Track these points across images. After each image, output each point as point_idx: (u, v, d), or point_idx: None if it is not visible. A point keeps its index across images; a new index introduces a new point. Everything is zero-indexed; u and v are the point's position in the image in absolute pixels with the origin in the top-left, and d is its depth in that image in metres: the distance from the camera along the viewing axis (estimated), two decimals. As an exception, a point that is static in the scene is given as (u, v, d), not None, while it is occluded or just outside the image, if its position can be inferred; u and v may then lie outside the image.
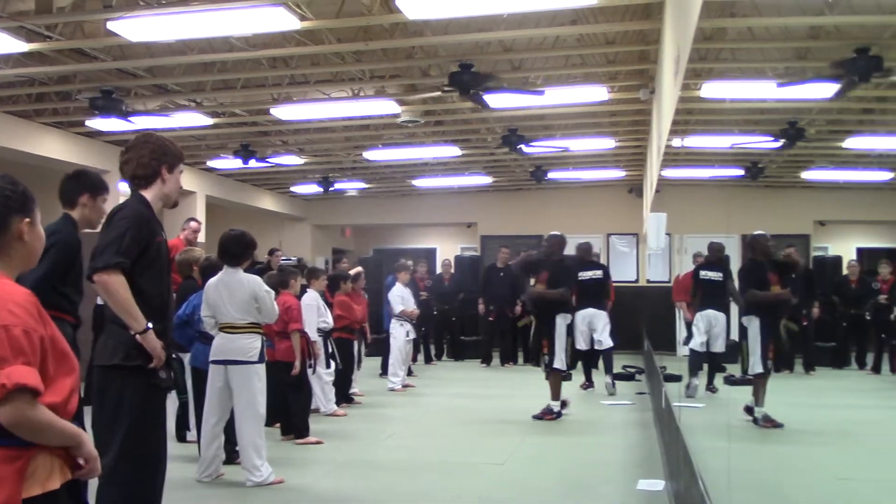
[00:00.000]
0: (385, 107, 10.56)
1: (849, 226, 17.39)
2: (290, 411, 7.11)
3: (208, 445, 5.66)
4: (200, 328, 6.00)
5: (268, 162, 13.78)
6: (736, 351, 8.60)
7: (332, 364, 8.39)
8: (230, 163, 13.91)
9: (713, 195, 15.21)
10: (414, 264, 12.86)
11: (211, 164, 14.41)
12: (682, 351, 11.13)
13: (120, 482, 3.43)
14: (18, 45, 7.75)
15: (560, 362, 8.33)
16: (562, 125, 12.40)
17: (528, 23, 7.93)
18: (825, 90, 8.19)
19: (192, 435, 6.62)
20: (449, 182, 16.85)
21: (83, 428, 2.22)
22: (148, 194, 3.76)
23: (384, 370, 11.50)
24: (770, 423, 7.53)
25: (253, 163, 13.31)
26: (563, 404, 8.50)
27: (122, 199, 3.95)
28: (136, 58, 8.80)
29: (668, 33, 6.35)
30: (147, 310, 3.56)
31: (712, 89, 9.17)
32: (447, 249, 19.07)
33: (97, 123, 10.62)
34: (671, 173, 13.91)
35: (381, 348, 11.88)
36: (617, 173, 15.86)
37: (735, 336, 9.20)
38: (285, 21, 7.13)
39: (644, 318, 13.64)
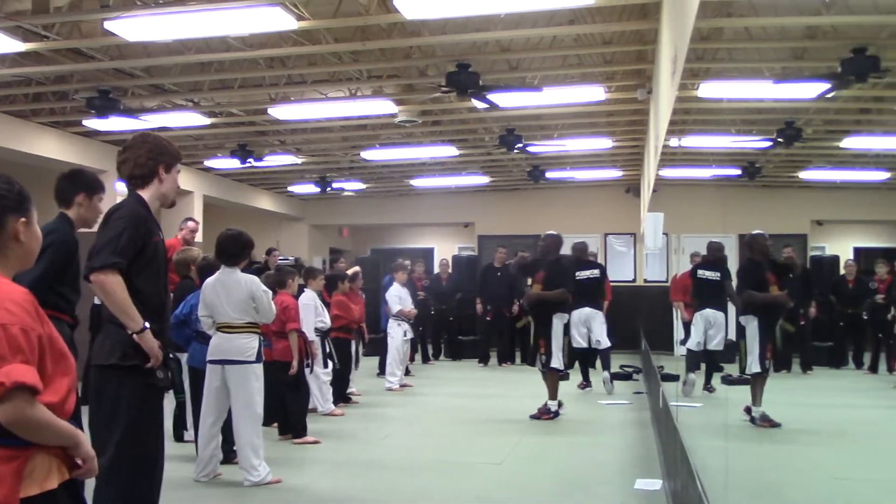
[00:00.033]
0: (382, 107, 10.56)
1: (846, 225, 17.42)
2: (287, 411, 7.11)
3: (206, 445, 5.66)
4: (198, 328, 5.99)
5: (265, 162, 13.78)
6: (733, 350, 8.60)
7: (330, 364, 8.39)
8: (227, 162, 13.91)
9: (710, 195, 15.23)
10: (411, 264, 12.88)
11: (208, 163, 14.40)
12: (680, 350, 11.13)
13: (117, 482, 3.42)
14: (15, 45, 7.73)
15: (557, 362, 8.34)
16: (559, 125, 12.40)
17: (525, 23, 7.93)
18: (817, 89, 8.20)
19: (189, 435, 6.62)
20: (446, 182, 16.86)
21: (80, 428, 2.22)
22: (145, 194, 3.76)
23: (382, 370, 11.50)
24: (767, 422, 7.54)
25: (251, 162, 13.30)
26: (559, 404, 8.50)
27: (119, 199, 3.95)
28: (133, 57, 8.79)
29: (666, 33, 6.36)
30: (144, 309, 3.56)
31: (709, 89, 9.18)
32: (445, 249, 19.08)
33: (94, 123, 10.61)
34: (668, 173, 13.92)
35: (378, 348, 11.89)
36: (614, 173, 15.87)
37: (733, 335, 9.20)
38: (282, 21, 7.12)
39: (641, 318, 13.65)
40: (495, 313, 13.85)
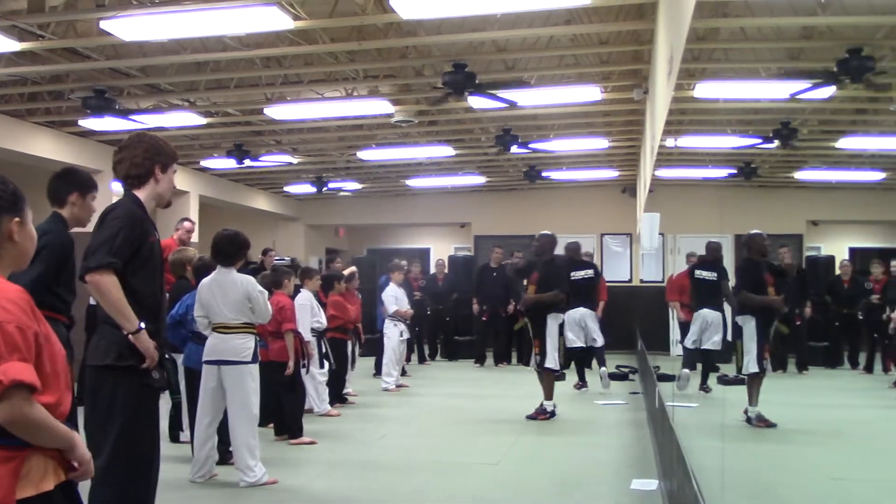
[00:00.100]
0: (379, 106, 10.56)
1: (841, 226, 17.45)
2: (283, 411, 7.10)
3: (201, 446, 5.65)
4: (193, 328, 5.98)
5: (261, 162, 13.76)
6: (730, 350, 8.61)
7: (326, 364, 8.39)
8: (224, 162, 13.89)
9: (706, 195, 15.24)
10: (408, 264, 12.87)
11: (204, 163, 14.38)
12: (676, 351, 11.15)
13: (113, 482, 3.41)
14: (10, 45, 7.72)
15: (552, 362, 8.34)
16: (555, 125, 12.40)
17: (521, 23, 7.93)
18: (799, 87, 8.21)
19: (185, 435, 6.60)
20: (443, 182, 16.86)
21: (76, 428, 2.21)
22: (141, 194, 3.75)
23: (378, 370, 11.49)
24: (763, 422, 7.55)
25: (247, 162, 13.29)
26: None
27: (115, 199, 3.94)
28: (129, 57, 8.78)
29: (662, 33, 6.36)
30: (140, 310, 3.55)
31: (705, 89, 9.18)
32: (441, 249, 19.07)
33: (90, 123, 10.59)
34: (665, 173, 13.93)
35: (374, 348, 11.88)
36: (610, 173, 15.87)
37: (731, 335, 9.21)
38: (279, 20, 7.12)
39: (637, 318, 13.67)
40: (491, 313, 13.85)
